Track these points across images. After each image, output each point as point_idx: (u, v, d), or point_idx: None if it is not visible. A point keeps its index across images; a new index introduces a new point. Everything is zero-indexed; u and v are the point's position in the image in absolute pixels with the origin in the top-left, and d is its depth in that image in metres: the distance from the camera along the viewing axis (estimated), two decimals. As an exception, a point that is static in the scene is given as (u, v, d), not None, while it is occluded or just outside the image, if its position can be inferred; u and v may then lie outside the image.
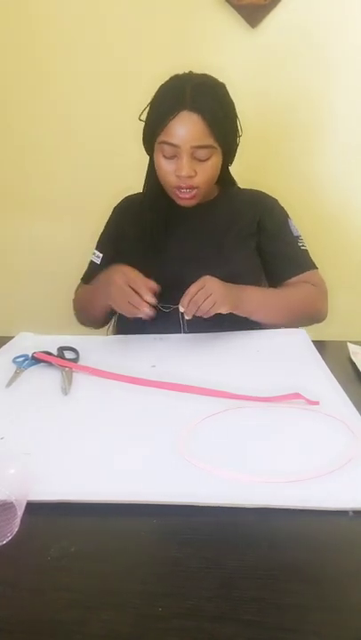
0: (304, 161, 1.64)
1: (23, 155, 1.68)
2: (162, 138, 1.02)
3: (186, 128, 0.99)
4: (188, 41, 1.52)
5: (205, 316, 0.97)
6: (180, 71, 1.05)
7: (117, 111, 1.58)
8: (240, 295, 1.03)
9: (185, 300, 0.97)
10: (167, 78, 1.05)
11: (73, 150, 1.66)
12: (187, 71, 1.05)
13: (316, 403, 0.77)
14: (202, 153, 1.02)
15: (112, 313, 1.17)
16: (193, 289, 0.98)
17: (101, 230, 1.27)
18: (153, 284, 0.98)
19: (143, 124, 1.07)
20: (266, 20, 1.49)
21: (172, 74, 1.05)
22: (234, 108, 1.06)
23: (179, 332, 1.10)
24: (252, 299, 1.06)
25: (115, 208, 1.28)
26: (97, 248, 1.25)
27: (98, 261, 1.23)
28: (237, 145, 1.10)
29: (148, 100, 1.06)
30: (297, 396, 0.78)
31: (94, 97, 1.60)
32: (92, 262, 1.25)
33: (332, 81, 1.56)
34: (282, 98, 1.56)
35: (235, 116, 1.06)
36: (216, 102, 1.01)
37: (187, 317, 0.98)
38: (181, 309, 0.98)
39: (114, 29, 1.54)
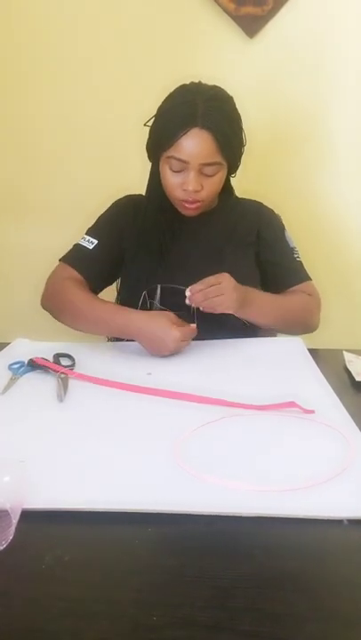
0: (302, 172, 1.65)
1: (20, 160, 1.68)
2: (170, 152, 1.02)
3: (196, 145, 0.99)
4: (186, 51, 1.53)
5: (206, 311, 0.98)
6: (179, 80, 1.06)
7: (117, 119, 1.59)
8: (247, 300, 1.03)
9: (197, 287, 0.97)
10: (165, 87, 1.05)
11: (70, 156, 1.66)
12: (195, 81, 1.05)
13: (312, 411, 0.77)
14: (210, 169, 1.03)
15: None
16: (209, 281, 0.98)
17: (95, 223, 1.22)
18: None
19: (144, 132, 1.08)
20: (263, 30, 1.51)
21: (171, 84, 1.05)
22: (240, 122, 1.07)
23: None
24: (257, 304, 1.07)
25: (116, 203, 1.24)
26: (89, 234, 1.18)
27: (90, 247, 1.15)
28: (242, 155, 1.11)
29: (148, 110, 1.06)
30: (292, 404, 0.78)
31: (94, 104, 1.60)
32: (80, 246, 1.16)
33: (330, 92, 1.57)
34: (280, 108, 1.57)
35: (241, 130, 1.07)
36: (226, 119, 1.02)
37: (187, 302, 0.98)
38: (188, 293, 0.97)
39: (113, 39, 1.55)
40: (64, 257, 1.18)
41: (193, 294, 0.97)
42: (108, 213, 1.23)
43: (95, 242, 1.16)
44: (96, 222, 1.22)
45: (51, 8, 1.53)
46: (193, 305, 0.98)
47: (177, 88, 1.05)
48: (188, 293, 0.98)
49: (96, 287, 1.17)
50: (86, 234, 1.19)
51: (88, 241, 1.16)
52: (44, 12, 1.54)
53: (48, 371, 0.94)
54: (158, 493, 0.59)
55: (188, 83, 1.05)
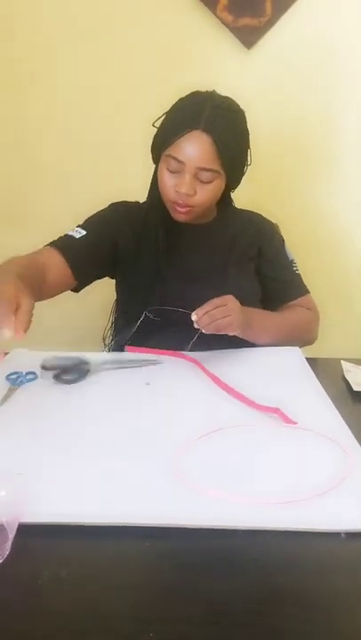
0: (302, 183, 1.66)
1: (21, 168, 1.69)
2: (169, 151, 1.02)
3: (195, 148, 0.99)
4: (184, 62, 1.53)
5: (213, 332, 0.96)
6: (178, 92, 1.06)
7: (117, 130, 1.60)
8: (250, 321, 1.03)
9: (202, 310, 0.95)
10: (164, 99, 1.06)
11: (72, 165, 1.66)
12: (210, 89, 1.05)
13: (294, 423, 0.77)
14: (205, 175, 1.02)
15: None
16: (214, 303, 0.96)
17: (88, 217, 1.19)
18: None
19: (145, 142, 1.08)
20: (261, 41, 1.52)
21: (170, 95, 1.05)
22: (248, 138, 1.06)
23: (180, 345, 1.06)
24: (259, 324, 1.07)
25: (114, 204, 1.21)
26: (80, 226, 1.15)
27: (77, 236, 1.12)
28: (243, 174, 1.11)
29: (147, 121, 1.06)
30: (276, 410, 0.79)
31: (95, 115, 1.61)
32: (68, 235, 1.13)
33: (329, 102, 1.58)
34: (277, 119, 1.58)
35: (247, 146, 1.07)
36: (231, 129, 1.01)
37: (196, 326, 0.96)
38: (194, 317, 0.95)
39: (112, 52, 1.56)
40: (50, 242, 1.13)
41: (199, 318, 0.95)
42: (104, 212, 1.20)
43: (83, 232, 1.13)
44: (89, 217, 1.19)
45: (54, 20, 1.54)
46: (197, 326, 0.96)
47: (190, 93, 1.06)
48: (194, 317, 0.96)
49: (79, 275, 1.12)
50: (77, 226, 1.16)
51: (76, 231, 1.13)
52: (47, 23, 1.55)
53: (49, 380, 0.94)
54: (156, 507, 0.59)
55: (202, 90, 1.05)
